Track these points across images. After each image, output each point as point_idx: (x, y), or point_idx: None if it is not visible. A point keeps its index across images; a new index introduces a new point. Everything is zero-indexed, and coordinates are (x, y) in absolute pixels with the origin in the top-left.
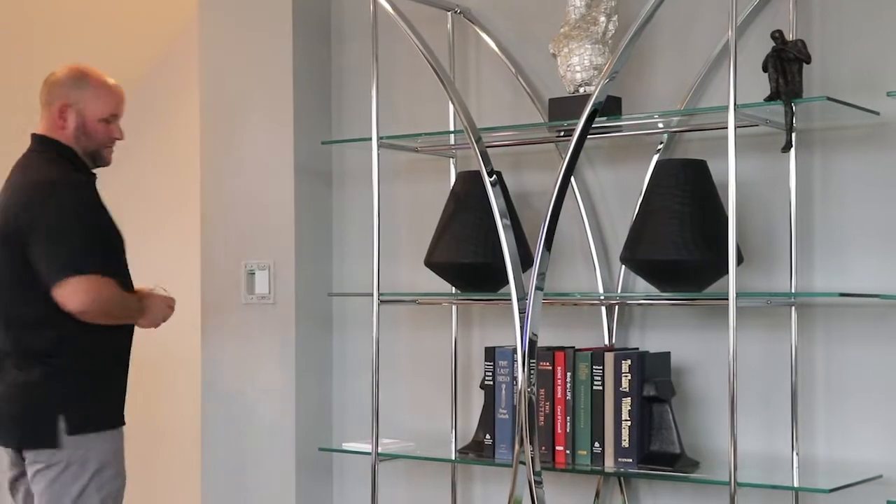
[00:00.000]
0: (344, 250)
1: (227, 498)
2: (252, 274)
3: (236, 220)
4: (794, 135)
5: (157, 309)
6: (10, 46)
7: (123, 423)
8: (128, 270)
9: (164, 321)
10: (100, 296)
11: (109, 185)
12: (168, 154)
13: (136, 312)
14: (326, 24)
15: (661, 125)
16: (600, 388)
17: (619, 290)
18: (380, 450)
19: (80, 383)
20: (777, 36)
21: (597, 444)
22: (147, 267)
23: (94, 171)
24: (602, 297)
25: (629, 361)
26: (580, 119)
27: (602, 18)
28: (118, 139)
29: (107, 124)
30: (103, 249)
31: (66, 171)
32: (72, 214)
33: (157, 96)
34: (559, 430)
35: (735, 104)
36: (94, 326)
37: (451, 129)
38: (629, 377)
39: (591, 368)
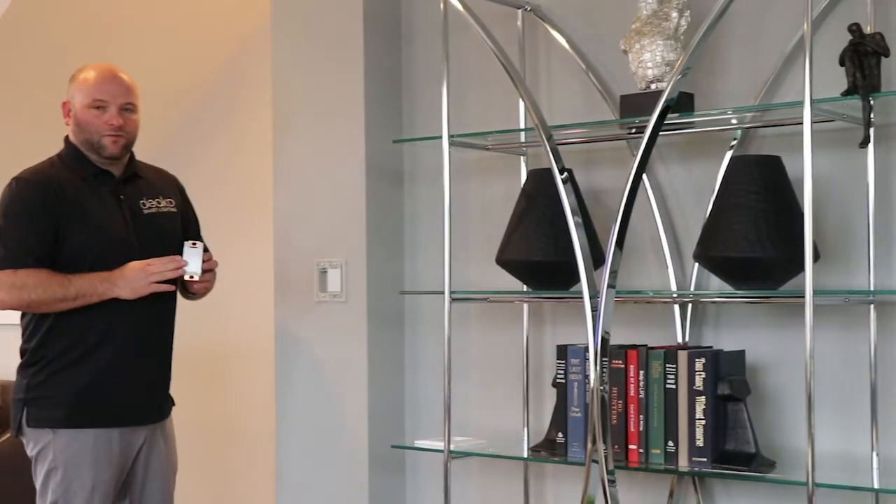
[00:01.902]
0: (415, 248)
1: (302, 494)
2: (324, 272)
3: (309, 218)
4: (871, 130)
5: (132, 279)
6: (85, 48)
7: (98, 426)
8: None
9: (159, 281)
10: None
11: (184, 185)
12: (241, 154)
13: (79, 295)
14: (397, 23)
15: (734, 121)
16: (673, 386)
17: (692, 288)
18: (452, 447)
19: (36, 375)
20: (854, 29)
21: (670, 443)
22: (221, 266)
23: (110, 166)
24: (675, 295)
25: (703, 360)
26: (652, 116)
27: (674, 14)
28: (113, 125)
29: (98, 111)
30: (23, 245)
31: (37, 168)
32: (1, 213)
33: (230, 96)
34: (632, 429)
35: (811, 99)
36: (49, 316)
37: (522, 126)
38: (703, 375)
39: (664, 367)
